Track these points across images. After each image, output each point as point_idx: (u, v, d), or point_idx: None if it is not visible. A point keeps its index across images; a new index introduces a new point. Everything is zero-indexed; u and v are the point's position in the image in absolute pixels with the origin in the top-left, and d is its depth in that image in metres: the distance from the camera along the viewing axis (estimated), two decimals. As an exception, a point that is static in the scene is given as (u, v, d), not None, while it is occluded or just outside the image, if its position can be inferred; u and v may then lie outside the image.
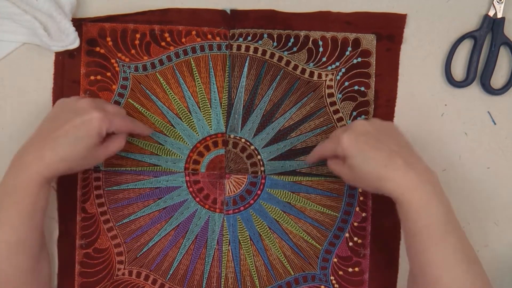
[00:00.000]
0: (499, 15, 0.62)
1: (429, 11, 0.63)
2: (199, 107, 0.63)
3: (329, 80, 0.63)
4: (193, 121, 0.63)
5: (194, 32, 0.62)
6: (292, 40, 0.63)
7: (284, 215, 0.63)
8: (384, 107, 0.63)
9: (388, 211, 0.59)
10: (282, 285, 0.63)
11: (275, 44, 0.63)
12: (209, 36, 0.62)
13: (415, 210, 0.51)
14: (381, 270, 0.62)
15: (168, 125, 0.63)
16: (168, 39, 0.62)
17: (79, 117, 0.52)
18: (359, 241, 0.63)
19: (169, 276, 0.62)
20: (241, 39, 0.63)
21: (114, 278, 0.62)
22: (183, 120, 0.63)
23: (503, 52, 0.63)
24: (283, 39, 0.63)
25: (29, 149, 0.54)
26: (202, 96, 0.63)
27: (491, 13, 0.62)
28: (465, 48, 0.63)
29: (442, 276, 0.51)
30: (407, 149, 0.55)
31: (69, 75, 0.62)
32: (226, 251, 0.63)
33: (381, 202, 0.62)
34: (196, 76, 0.63)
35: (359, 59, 0.63)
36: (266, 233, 0.63)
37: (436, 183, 0.53)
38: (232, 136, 0.63)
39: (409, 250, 0.54)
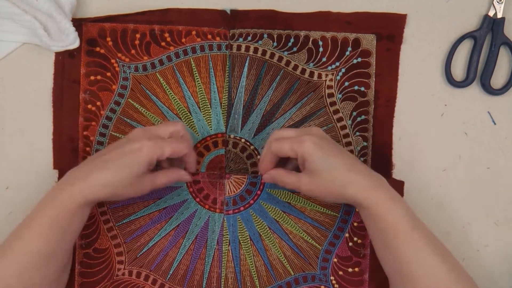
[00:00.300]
0: (499, 15, 0.62)
1: (429, 11, 0.63)
2: (199, 107, 0.63)
3: (329, 80, 0.63)
4: (193, 121, 0.63)
5: (194, 32, 0.62)
6: (292, 40, 0.63)
7: (284, 215, 0.63)
8: (384, 107, 0.63)
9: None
10: (282, 285, 0.63)
11: (275, 44, 0.63)
12: (209, 36, 0.62)
13: (382, 209, 0.53)
14: (381, 270, 0.62)
15: (168, 125, 0.63)
16: (168, 39, 0.62)
17: (129, 145, 0.53)
18: (359, 241, 0.63)
19: (169, 276, 0.62)
20: (241, 39, 0.63)
21: (114, 278, 0.62)
22: (183, 120, 0.63)
23: (503, 52, 0.63)
24: (283, 39, 0.63)
25: (80, 168, 0.55)
26: (202, 96, 0.63)
27: (491, 13, 0.62)
28: (465, 48, 0.63)
29: (418, 269, 0.51)
30: (353, 155, 0.58)
31: (69, 75, 0.62)
32: (226, 251, 0.63)
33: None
34: (196, 76, 0.63)
35: (359, 59, 0.63)
36: (266, 233, 0.63)
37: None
38: (232, 136, 0.63)
39: (381, 251, 0.55)
